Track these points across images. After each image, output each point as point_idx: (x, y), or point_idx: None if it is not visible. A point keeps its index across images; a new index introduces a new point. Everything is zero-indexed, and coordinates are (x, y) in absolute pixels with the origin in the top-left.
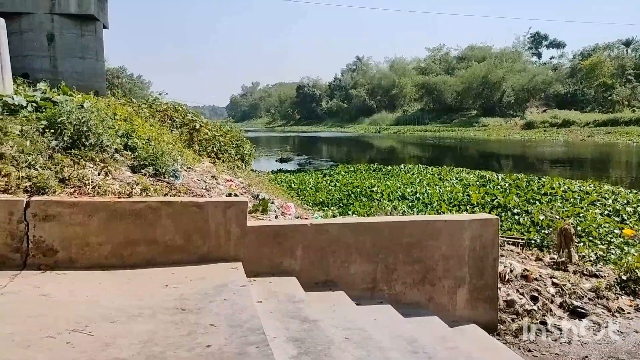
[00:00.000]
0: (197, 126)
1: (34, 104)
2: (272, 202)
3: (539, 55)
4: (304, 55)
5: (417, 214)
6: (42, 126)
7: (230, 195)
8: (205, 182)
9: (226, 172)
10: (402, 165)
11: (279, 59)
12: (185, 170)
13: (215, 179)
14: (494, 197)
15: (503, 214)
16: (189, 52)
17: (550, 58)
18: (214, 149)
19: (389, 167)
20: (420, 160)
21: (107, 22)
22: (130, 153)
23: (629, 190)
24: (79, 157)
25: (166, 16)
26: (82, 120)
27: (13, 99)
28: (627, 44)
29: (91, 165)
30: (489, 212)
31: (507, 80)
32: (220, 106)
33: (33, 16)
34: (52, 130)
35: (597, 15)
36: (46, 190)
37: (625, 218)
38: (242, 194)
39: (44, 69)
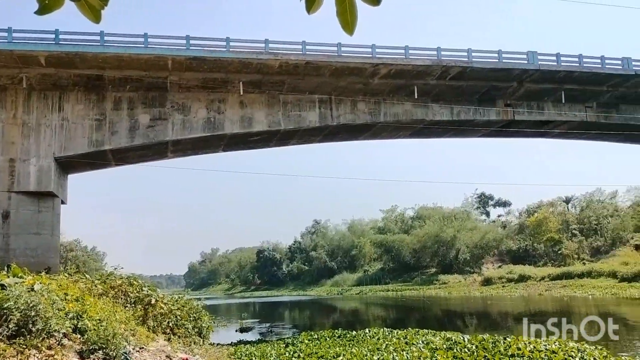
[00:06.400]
0: (153, 301)
1: None
2: None
3: (488, 214)
4: (263, 220)
5: None
6: None
7: None
8: None
9: (182, 350)
10: (367, 330)
11: (238, 225)
12: (138, 351)
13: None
14: None
15: None
16: (146, 222)
17: (498, 216)
18: (170, 324)
19: (354, 332)
20: (384, 321)
21: (65, 198)
22: (79, 336)
23: (594, 347)
24: (23, 346)
25: (121, 189)
26: (31, 305)
27: None
28: (567, 201)
29: (36, 354)
30: None
31: (459, 239)
32: (178, 274)
33: None
34: None
35: (540, 176)
36: None
37: None
38: None
39: None
